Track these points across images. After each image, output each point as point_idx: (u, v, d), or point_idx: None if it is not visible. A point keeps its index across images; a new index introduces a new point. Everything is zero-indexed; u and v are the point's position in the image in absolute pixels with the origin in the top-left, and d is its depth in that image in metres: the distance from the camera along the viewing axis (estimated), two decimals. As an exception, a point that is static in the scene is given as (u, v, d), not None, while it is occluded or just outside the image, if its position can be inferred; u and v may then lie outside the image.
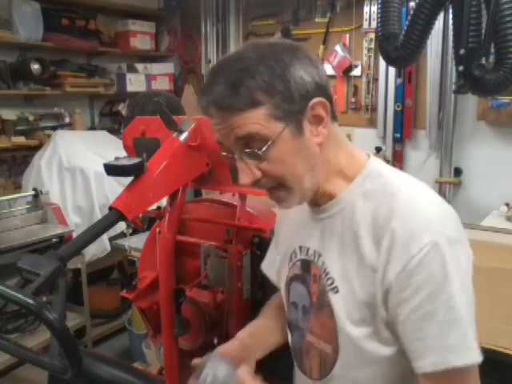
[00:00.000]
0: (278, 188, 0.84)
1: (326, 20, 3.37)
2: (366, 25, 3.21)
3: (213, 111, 0.80)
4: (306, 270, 0.93)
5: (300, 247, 0.96)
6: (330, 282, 0.86)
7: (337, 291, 0.85)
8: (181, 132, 1.30)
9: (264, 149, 0.79)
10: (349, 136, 3.38)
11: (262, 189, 0.85)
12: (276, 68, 0.77)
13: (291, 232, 1.01)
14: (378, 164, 0.88)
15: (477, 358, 0.77)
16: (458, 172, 2.97)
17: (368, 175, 0.86)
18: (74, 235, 2.48)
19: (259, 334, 1.08)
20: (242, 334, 1.06)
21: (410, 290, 0.77)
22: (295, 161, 0.81)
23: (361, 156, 0.90)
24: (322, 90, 0.82)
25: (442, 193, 2.95)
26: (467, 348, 0.77)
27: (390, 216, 0.79)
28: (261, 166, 0.81)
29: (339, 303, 0.85)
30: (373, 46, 3.20)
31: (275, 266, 1.08)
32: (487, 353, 0.93)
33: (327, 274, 0.87)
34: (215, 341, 1.43)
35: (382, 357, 0.83)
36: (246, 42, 0.86)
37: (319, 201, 0.90)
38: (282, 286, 1.03)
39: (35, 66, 3.19)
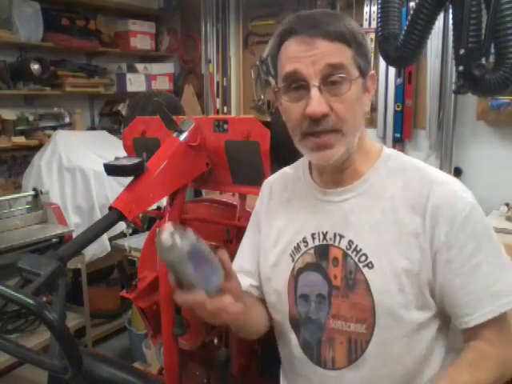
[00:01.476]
0: (330, 132, 0.86)
1: (326, 20, 3.37)
2: (365, 25, 3.20)
3: (312, 34, 0.83)
4: (323, 256, 0.93)
5: (313, 234, 0.95)
6: (363, 258, 0.89)
7: (371, 266, 0.88)
8: (181, 132, 1.30)
9: (349, 81, 0.84)
10: (349, 136, 3.37)
11: (320, 128, 0.85)
12: (360, 30, 0.88)
13: (294, 224, 0.99)
14: (392, 149, 0.98)
15: None
16: (457, 172, 2.97)
17: (389, 156, 0.95)
18: (74, 235, 2.48)
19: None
20: None
21: (456, 247, 0.85)
22: (358, 112, 0.88)
23: (376, 143, 1.00)
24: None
25: (442, 193, 2.95)
26: None
27: (427, 184, 0.88)
28: (333, 103, 0.84)
29: (375, 277, 0.87)
30: (373, 45, 3.19)
31: (253, 275, 1.06)
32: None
33: (358, 251, 0.89)
34: (215, 341, 1.43)
35: (416, 324, 0.87)
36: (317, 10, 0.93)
37: (346, 180, 0.94)
38: (280, 283, 0.99)
39: (35, 66, 3.19)
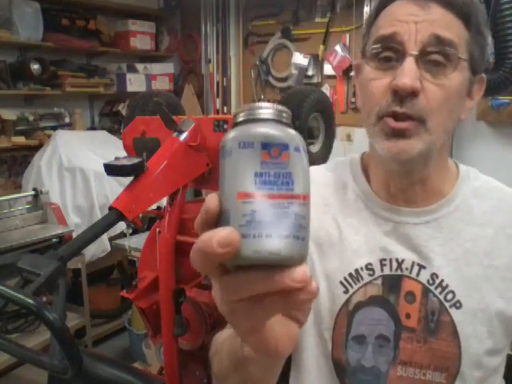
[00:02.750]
0: (411, 120, 0.68)
1: (326, 20, 3.37)
2: (366, 25, 3.21)
3: None
4: (393, 289, 0.75)
5: (382, 260, 0.75)
6: (450, 296, 0.73)
7: (459, 306, 0.73)
8: (181, 132, 1.30)
9: (454, 64, 0.67)
10: (349, 136, 3.37)
11: (404, 109, 0.67)
12: (485, 18, 0.72)
13: (346, 243, 0.78)
14: (465, 166, 0.84)
15: None
16: (458, 172, 2.97)
17: (468, 173, 0.81)
18: (74, 235, 2.48)
19: None
20: None
21: None
22: (453, 110, 0.70)
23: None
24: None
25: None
26: None
27: None
28: (426, 83, 0.67)
29: (464, 319, 0.72)
30: (373, 46, 3.20)
31: None
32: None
33: (444, 287, 0.73)
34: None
35: (493, 369, 0.75)
36: None
37: (422, 199, 0.76)
38: (321, 319, 0.77)
39: (35, 66, 3.19)
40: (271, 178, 0.36)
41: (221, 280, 0.38)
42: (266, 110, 0.38)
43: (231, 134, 0.38)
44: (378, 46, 0.69)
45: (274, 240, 0.35)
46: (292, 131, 0.38)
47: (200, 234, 0.37)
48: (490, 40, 0.71)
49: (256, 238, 0.35)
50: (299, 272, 0.36)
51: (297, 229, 0.36)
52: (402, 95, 0.66)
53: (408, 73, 0.65)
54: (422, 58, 0.66)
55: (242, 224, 0.35)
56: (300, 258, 0.36)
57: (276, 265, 0.36)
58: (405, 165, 0.71)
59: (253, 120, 0.38)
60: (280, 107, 0.38)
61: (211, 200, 0.37)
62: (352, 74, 3.31)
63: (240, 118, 0.38)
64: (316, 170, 0.86)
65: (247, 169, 0.36)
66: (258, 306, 0.38)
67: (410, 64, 0.65)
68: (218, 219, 0.37)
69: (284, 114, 0.39)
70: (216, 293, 0.40)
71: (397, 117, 0.67)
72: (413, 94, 0.66)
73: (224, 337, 0.63)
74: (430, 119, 0.67)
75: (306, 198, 0.37)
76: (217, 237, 0.34)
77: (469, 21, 0.68)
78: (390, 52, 0.68)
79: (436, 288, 0.73)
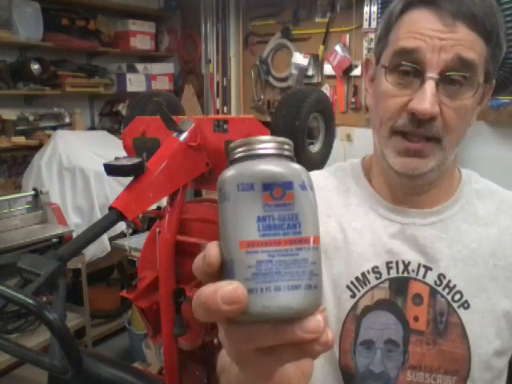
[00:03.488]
0: (428, 140, 0.69)
1: (326, 20, 3.37)
2: (366, 25, 3.20)
3: (456, 14, 0.65)
4: (400, 292, 0.74)
5: (388, 263, 0.75)
6: (457, 297, 0.73)
7: (467, 306, 0.73)
8: (181, 132, 1.30)
9: (473, 87, 0.67)
10: (349, 136, 3.38)
11: (421, 130, 0.68)
12: (503, 24, 0.69)
13: (352, 247, 0.77)
14: (465, 169, 0.84)
15: None
16: (457, 172, 2.97)
17: (469, 176, 0.82)
18: (74, 235, 2.48)
19: None
20: None
21: None
22: (466, 126, 0.72)
23: None
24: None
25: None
26: None
27: None
28: (444, 106, 0.67)
29: (473, 320, 0.72)
30: (373, 45, 3.19)
31: None
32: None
33: (452, 288, 0.73)
34: (215, 341, 1.43)
35: (499, 371, 0.74)
36: None
37: (426, 204, 0.77)
38: (331, 326, 0.75)
39: (35, 66, 3.19)
40: (276, 221, 0.33)
41: (227, 330, 0.35)
42: (265, 144, 0.35)
43: (228, 173, 0.34)
44: (397, 59, 0.68)
45: (284, 293, 0.32)
46: (296, 166, 0.35)
47: (202, 283, 0.35)
48: (505, 47, 0.72)
49: (264, 292, 0.32)
50: (313, 322, 0.34)
51: (308, 277, 0.34)
52: (421, 119, 0.66)
53: (428, 98, 0.65)
54: (442, 79, 0.66)
55: (247, 277, 0.32)
56: (314, 309, 0.34)
57: (288, 319, 0.33)
58: (416, 180, 0.71)
59: (251, 156, 0.35)
60: (280, 139, 0.35)
61: (211, 251, 0.35)
62: (353, 73, 3.31)
63: (237, 155, 0.35)
64: (317, 174, 0.87)
65: (248, 214, 0.33)
66: (269, 356, 0.36)
67: (430, 87, 0.65)
68: (221, 270, 0.34)
69: (286, 146, 0.36)
70: (223, 339, 0.37)
71: (412, 136, 0.68)
72: (432, 118, 0.66)
73: None
74: (445, 138, 0.69)
75: (316, 240, 0.35)
76: (221, 292, 0.32)
77: (490, 37, 0.67)
78: (409, 66, 0.68)
79: (444, 289, 0.73)
